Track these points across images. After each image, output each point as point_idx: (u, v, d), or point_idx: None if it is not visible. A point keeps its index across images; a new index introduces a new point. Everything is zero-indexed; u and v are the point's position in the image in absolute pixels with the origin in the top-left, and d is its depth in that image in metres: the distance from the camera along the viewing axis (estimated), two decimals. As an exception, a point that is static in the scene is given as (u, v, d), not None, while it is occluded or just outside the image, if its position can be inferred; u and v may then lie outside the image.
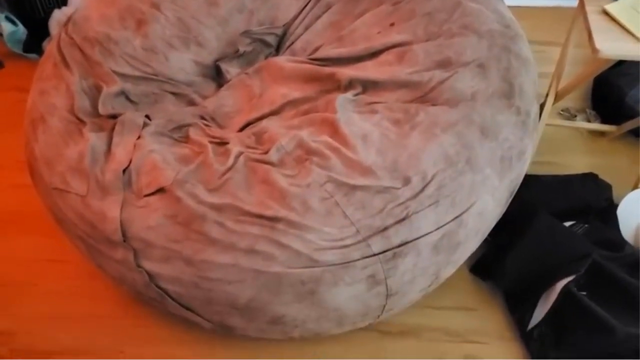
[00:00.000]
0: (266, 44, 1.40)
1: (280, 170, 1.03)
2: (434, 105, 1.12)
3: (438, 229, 1.02)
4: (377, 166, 1.02)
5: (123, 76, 1.24)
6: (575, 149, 1.48)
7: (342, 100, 1.15)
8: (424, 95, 1.14)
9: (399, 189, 1.00)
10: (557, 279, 1.09)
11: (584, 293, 1.09)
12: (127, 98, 1.22)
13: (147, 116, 1.20)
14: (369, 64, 1.24)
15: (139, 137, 1.11)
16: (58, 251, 1.33)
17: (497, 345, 1.16)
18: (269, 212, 0.97)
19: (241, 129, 1.23)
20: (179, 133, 1.19)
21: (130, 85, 1.23)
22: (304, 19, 1.41)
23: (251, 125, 1.22)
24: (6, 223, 1.42)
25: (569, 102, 1.56)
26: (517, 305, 1.17)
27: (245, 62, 1.38)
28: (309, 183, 1.00)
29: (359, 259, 0.98)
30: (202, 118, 1.27)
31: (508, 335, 1.17)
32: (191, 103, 1.31)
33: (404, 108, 1.12)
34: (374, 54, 1.25)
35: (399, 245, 1.00)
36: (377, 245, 0.99)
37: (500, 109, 1.12)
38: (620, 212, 1.26)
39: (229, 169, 1.04)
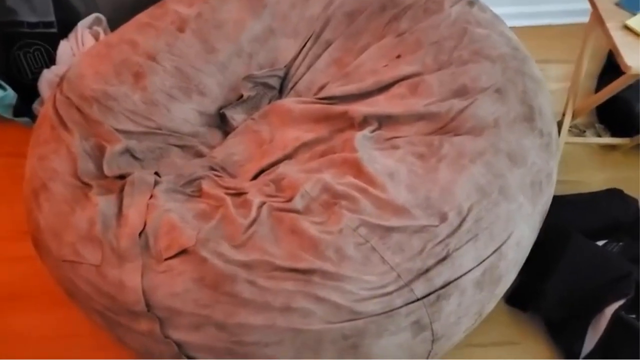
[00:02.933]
0: (269, 87, 1.37)
1: (308, 217, 0.97)
2: (457, 135, 1.08)
3: (479, 264, 0.97)
4: (410, 204, 0.97)
5: (126, 133, 1.18)
6: (590, 164, 1.46)
7: (361, 138, 1.11)
8: (445, 126, 1.10)
9: (436, 226, 0.95)
10: (605, 304, 1.04)
11: (633, 316, 1.04)
12: (132, 155, 1.16)
13: (156, 173, 1.13)
14: (380, 98, 1.21)
15: (151, 197, 1.04)
16: (70, 325, 1.22)
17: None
18: (302, 265, 0.90)
19: (254, 177, 1.18)
20: (191, 187, 1.13)
21: (134, 141, 1.17)
22: (304, 58, 1.38)
23: (265, 172, 1.17)
24: (8, 300, 1.31)
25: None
26: (564, 335, 1.12)
27: (250, 107, 1.34)
28: (340, 229, 0.94)
29: (402, 306, 0.92)
30: (212, 169, 1.21)
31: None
32: (198, 154, 1.25)
33: (426, 141, 1.09)
34: (383, 88, 1.22)
35: (443, 287, 0.94)
36: (420, 289, 0.93)
37: (524, 133, 1.09)
38: (650, 225, 1.23)
39: (253, 221, 0.97)
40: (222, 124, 1.32)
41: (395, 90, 1.21)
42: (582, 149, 1.49)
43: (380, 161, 1.05)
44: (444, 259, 0.94)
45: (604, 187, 1.34)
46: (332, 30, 1.39)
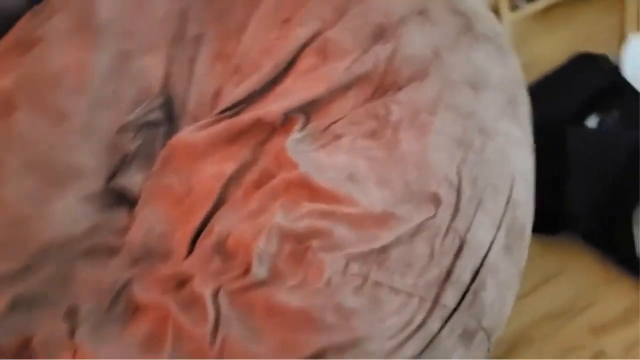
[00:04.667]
0: (155, 125, 1.06)
1: (281, 284, 0.73)
2: (399, 89, 0.85)
3: (499, 229, 0.78)
4: (390, 204, 0.75)
5: (6, 278, 0.87)
6: (549, 32, 1.25)
7: (293, 144, 0.85)
8: (380, 85, 0.86)
9: (434, 216, 0.74)
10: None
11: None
12: (28, 304, 0.86)
13: (70, 310, 0.85)
14: (289, 82, 0.95)
15: (75, 353, 0.77)
16: None
17: (612, 292, 0.95)
18: (305, 351, 0.68)
19: (191, 246, 0.91)
20: (121, 305, 0.85)
21: (21, 285, 0.87)
22: (179, 70, 1.08)
23: (202, 236, 0.90)
24: None
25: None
26: (610, 242, 0.96)
27: (144, 160, 1.04)
28: (328, 279, 0.71)
29: (442, 327, 0.72)
30: (136, 262, 0.93)
31: (615, 277, 0.96)
32: (112, 251, 0.96)
33: (369, 113, 0.85)
34: (287, 68, 0.96)
35: (473, 279, 0.74)
36: (450, 297, 0.73)
37: (471, 46, 0.87)
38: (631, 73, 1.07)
39: (217, 324, 0.72)
40: (121, 198, 1.03)
41: (302, 63, 0.94)
42: (535, 19, 1.27)
43: (330, 163, 0.81)
44: (460, 248, 0.74)
45: (569, 52, 1.14)
46: (195, 21, 1.09)
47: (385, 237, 0.72)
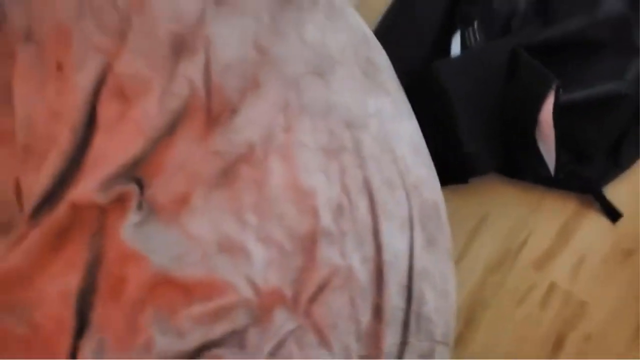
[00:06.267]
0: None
1: None
2: (235, 111, 0.65)
3: (412, 227, 0.65)
4: (279, 267, 0.58)
5: None
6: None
7: (131, 231, 0.64)
8: (209, 114, 0.66)
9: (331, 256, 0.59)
10: (534, 114, 0.79)
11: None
12: None
13: None
14: (99, 142, 0.71)
15: None
16: None
17: (541, 218, 0.88)
18: None
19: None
20: None
21: None
22: None
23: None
24: None
25: None
26: (521, 170, 0.88)
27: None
28: None
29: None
30: None
31: (539, 201, 0.89)
32: None
33: (209, 152, 0.65)
34: (90, 126, 0.72)
35: (409, 302, 0.62)
36: (390, 337, 0.60)
37: (298, 23, 0.69)
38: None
39: None
40: None
41: (104, 115, 0.71)
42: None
43: (187, 241, 0.62)
44: (379, 276, 0.61)
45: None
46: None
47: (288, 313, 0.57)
